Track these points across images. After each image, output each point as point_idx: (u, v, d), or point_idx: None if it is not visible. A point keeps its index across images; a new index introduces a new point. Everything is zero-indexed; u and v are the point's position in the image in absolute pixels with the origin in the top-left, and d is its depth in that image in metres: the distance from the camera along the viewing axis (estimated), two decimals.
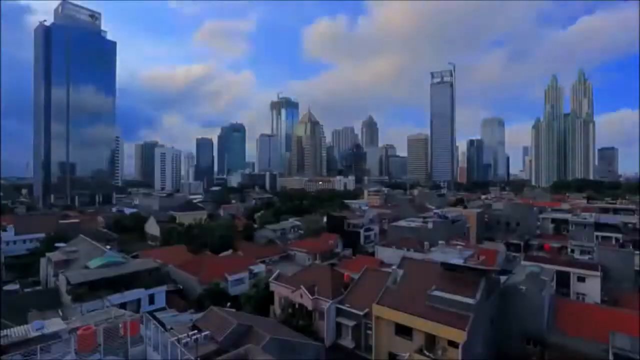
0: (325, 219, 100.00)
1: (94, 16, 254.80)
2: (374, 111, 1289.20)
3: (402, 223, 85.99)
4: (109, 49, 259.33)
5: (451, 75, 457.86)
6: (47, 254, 51.13)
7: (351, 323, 37.98)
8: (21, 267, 63.07)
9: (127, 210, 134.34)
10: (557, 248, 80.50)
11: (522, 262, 52.96)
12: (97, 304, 34.65)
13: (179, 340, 21.03)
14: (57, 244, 57.60)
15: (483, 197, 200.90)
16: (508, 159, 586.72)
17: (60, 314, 29.21)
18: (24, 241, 71.27)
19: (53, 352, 15.97)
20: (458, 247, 59.73)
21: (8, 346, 16.02)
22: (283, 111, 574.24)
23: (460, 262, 43.33)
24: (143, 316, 19.96)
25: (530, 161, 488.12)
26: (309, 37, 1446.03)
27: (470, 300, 30.04)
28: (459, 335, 28.06)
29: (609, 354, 27.72)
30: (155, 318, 26.96)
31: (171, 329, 29.52)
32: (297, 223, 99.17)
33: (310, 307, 40.23)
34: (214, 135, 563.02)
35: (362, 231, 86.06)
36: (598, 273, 50.23)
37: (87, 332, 16.60)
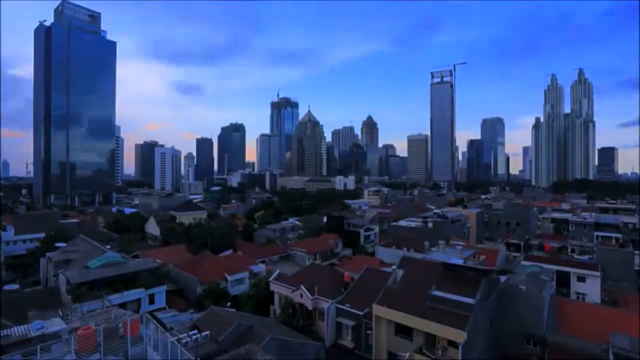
0: (325, 219, 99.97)
1: (94, 16, 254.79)
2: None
3: (402, 223, 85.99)
4: (109, 49, 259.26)
5: (451, 75, 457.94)
6: (47, 254, 51.10)
7: (351, 323, 37.97)
8: (21, 267, 63.06)
9: (127, 210, 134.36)
10: (557, 248, 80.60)
11: (522, 262, 53.00)
12: (97, 304, 34.62)
13: (179, 340, 21.02)
14: (57, 244, 57.58)
15: (483, 197, 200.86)
16: (508, 159, 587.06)
17: (60, 314, 29.15)
18: (24, 241, 71.12)
19: (53, 352, 15.94)
20: (458, 247, 59.70)
21: (8, 346, 16.01)
22: (283, 111, 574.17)
23: (460, 262, 43.38)
24: (143, 316, 19.93)
25: (530, 161, 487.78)
26: None
27: (470, 300, 30.04)
28: (459, 335, 28.07)
29: (609, 354, 27.71)
30: (155, 318, 26.93)
31: (171, 329, 29.53)
32: (297, 223, 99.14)
33: (310, 307, 40.23)
34: (214, 135, 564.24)
35: (362, 231, 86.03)
36: (598, 273, 50.23)
37: (87, 332, 16.58)
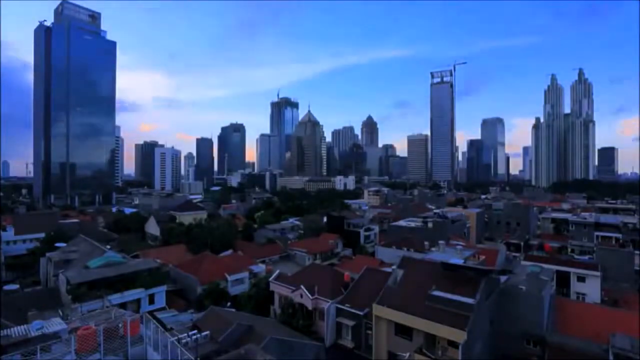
0: (325, 219, 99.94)
1: (94, 16, 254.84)
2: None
3: (402, 223, 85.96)
4: (109, 49, 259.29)
5: (451, 75, 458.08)
6: (47, 254, 51.10)
7: (351, 323, 37.97)
8: (21, 267, 63.05)
9: (127, 210, 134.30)
10: (557, 248, 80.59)
11: (522, 262, 53.00)
12: (97, 304, 34.63)
13: (179, 340, 21.01)
14: (57, 244, 57.57)
15: (483, 197, 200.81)
16: (508, 159, 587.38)
17: (60, 314, 29.17)
18: (24, 241, 71.13)
19: (53, 352, 15.93)
20: (458, 247, 59.69)
21: (8, 346, 16.00)
22: (283, 111, 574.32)
23: (460, 262, 43.37)
24: (143, 316, 19.93)
25: (530, 161, 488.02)
26: None
27: (470, 300, 30.04)
28: (459, 335, 28.07)
29: (609, 354, 27.71)
30: (155, 318, 26.95)
31: (171, 329, 29.54)
32: (297, 223, 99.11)
33: (310, 307, 40.24)
34: (214, 135, 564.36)
35: (362, 231, 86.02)
36: (598, 273, 50.22)
37: (87, 332, 16.58)
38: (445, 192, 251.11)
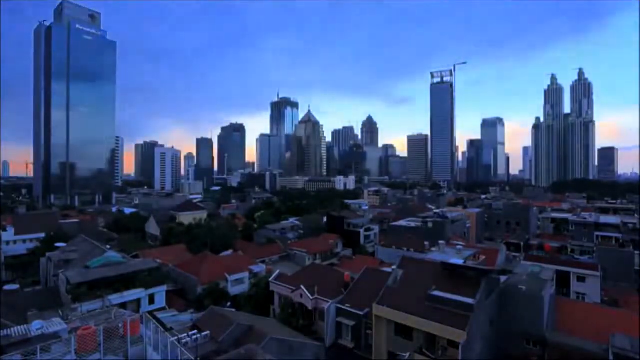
0: (325, 219, 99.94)
1: (94, 16, 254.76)
2: None
3: (402, 223, 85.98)
4: (109, 49, 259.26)
5: (451, 75, 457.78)
6: (47, 254, 51.13)
7: (351, 323, 37.94)
8: (21, 267, 63.08)
9: (127, 210, 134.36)
10: (557, 248, 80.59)
11: (522, 262, 52.98)
12: (97, 304, 34.66)
13: (179, 340, 21.04)
14: (57, 244, 57.60)
15: (483, 197, 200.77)
16: (508, 159, 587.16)
17: (60, 314, 29.20)
18: (24, 241, 71.13)
19: (53, 352, 15.92)
20: (458, 247, 59.75)
21: (8, 346, 16.00)
22: (283, 111, 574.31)
23: (460, 262, 43.40)
24: (143, 316, 19.92)
25: (530, 161, 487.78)
26: None
27: (470, 300, 30.03)
28: (459, 335, 28.06)
29: (609, 353, 27.71)
30: (155, 318, 26.93)
31: (171, 329, 29.54)
32: (297, 223, 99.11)
33: (310, 307, 40.23)
34: (214, 135, 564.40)
35: (362, 231, 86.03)
36: (598, 273, 50.23)
37: (87, 332, 16.57)
38: (445, 192, 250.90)
